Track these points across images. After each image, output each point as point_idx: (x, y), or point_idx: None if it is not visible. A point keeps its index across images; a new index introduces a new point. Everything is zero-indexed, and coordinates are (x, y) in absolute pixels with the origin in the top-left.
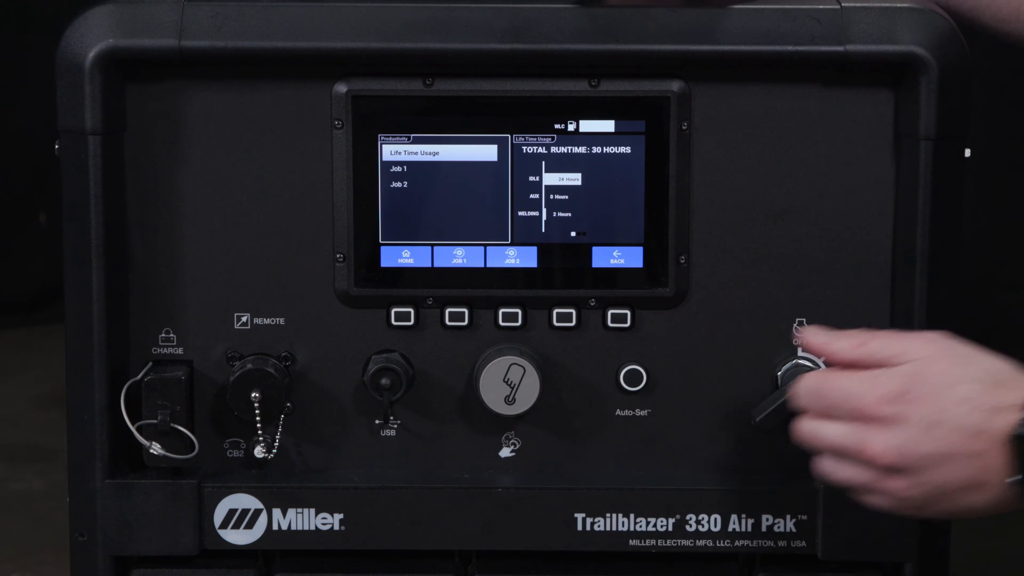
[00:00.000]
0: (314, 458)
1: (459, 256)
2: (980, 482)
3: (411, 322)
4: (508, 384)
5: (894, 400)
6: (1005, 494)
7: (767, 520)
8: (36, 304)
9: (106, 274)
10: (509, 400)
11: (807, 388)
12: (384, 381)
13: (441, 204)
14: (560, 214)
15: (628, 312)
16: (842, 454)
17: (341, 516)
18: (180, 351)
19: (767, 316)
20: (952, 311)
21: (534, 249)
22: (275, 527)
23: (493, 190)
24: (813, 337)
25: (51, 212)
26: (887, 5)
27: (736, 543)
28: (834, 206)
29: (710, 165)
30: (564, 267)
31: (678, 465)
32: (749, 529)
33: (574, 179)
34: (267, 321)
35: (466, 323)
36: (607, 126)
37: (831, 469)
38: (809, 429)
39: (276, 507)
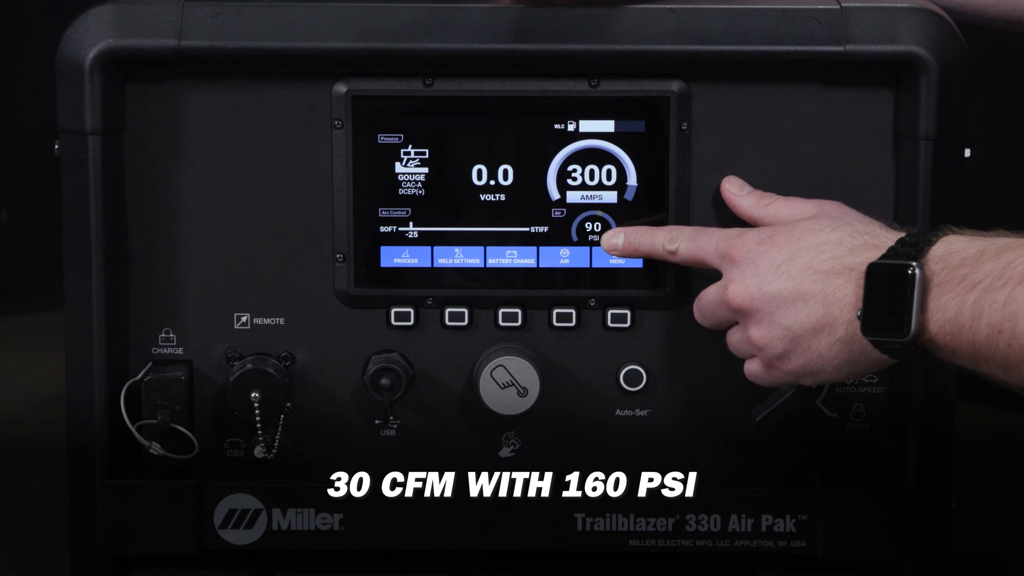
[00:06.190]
0: (314, 458)
1: (459, 256)
2: (829, 322)
3: (411, 322)
4: (508, 384)
5: (757, 245)
6: (854, 335)
7: (767, 520)
8: None
9: (106, 274)
10: (509, 400)
11: (697, 304)
12: (384, 381)
13: None
14: None
15: (628, 312)
16: (718, 314)
17: (341, 516)
18: (180, 351)
19: None
20: None
21: (534, 249)
22: (275, 527)
23: None
24: (730, 184)
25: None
26: (887, 5)
27: (736, 543)
28: None
29: (710, 165)
30: (564, 267)
31: (678, 465)
32: (749, 529)
33: None
34: (267, 321)
35: (466, 323)
36: (607, 126)
37: (731, 344)
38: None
39: (276, 507)
